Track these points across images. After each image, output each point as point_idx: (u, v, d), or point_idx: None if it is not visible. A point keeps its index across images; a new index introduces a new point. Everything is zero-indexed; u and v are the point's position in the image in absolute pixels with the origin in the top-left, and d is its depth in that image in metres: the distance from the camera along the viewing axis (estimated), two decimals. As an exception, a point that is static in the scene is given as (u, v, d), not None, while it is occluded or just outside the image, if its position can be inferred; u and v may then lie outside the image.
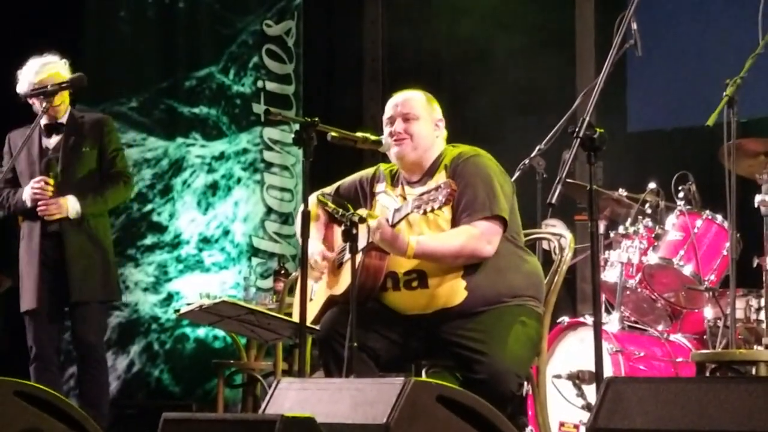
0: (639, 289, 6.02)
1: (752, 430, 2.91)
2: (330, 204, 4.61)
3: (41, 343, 6.12)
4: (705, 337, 5.76)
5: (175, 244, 8.88)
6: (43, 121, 6.14)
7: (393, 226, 4.37)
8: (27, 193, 6.10)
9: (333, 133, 4.54)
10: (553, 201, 3.87)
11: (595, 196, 3.97)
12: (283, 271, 8.00)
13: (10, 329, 7.34)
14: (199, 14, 9.18)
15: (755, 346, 5.49)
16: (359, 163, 7.03)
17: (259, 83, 9.21)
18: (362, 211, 4.52)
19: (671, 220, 5.99)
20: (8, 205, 6.21)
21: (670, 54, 7.74)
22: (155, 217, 8.87)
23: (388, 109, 4.71)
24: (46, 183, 6.06)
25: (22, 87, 6.12)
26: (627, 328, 6.02)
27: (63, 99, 6.15)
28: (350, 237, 4.26)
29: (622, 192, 6.19)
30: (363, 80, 9.68)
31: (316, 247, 4.65)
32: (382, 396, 3.33)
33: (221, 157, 9.06)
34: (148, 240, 8.83)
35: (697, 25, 7.82)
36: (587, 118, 3.91)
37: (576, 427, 5.73)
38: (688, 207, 5.98)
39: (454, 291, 4.45)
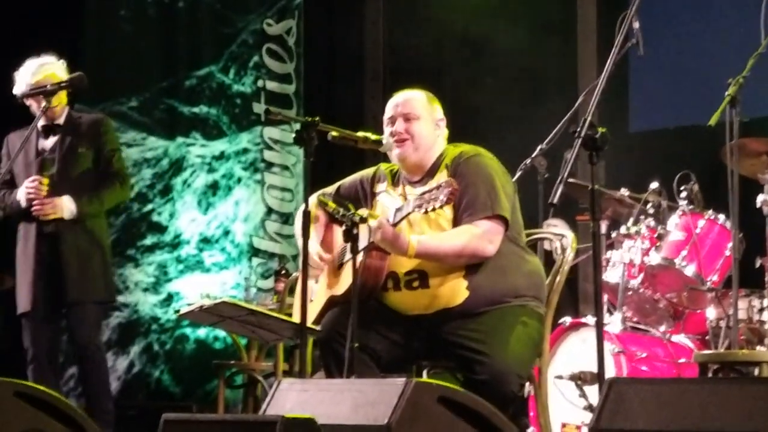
0: (641, 290, 6.01)
1: (754, 430, 2.90)
2: (331, 204, 4.60)
3: (38, 345, 6.11)
4: (707, 337, 5.74)
5: (176, 244, 8.88)
6: (41, 122, 6.13)
7: (394, 225, 4.36)
8: (21, 194, 6.09)
9: (333, 133, 4.52)
10: (555, 201, 3.85)
11: (597, 196, 3.96)
12: (283, 272, 7.99)
13: (10, 330, 7.32)
14: (200, 13, 9.18)
15: (758, 347, 5.48)
16: (360, 162, 7.01)
17: (260, 82, 9.21)
18: (363, 211, 4.51)
19: (673, 220, 5.98)
20: (4, 206, 6.21)
21: (672, 53, 7.73)
22: (155, 217, 8.87)
23: (389, 109, 4.70)
24: (41, 183, 6.05)
25: (20, 88, 6.11)
26: (629, 328, 6.00)
27: (60, 100, 6.14)
28: (351, 237, 4.25)
29: (624, 192, 6.18)
30: (364, 79, 9.67)
31: (313, 248, 4.63)
32: (384, 397, 3.32)
33: (221, 156, 9.06)
34: (148, 240, 8.82)
35: (699, 25, 7.81)
36: (589, 118, 3.90)
37: (578, 428, 5.72)
38: (691, 207, 5.97)
39: (455, 291, 4.44)
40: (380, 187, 4.75)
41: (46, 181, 6.06)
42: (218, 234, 8.98)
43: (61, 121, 6.20)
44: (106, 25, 8.94)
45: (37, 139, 6.18)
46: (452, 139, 4.75)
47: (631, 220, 6.06)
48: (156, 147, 8.91)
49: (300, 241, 4.43)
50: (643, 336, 6.02)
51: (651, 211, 6.06)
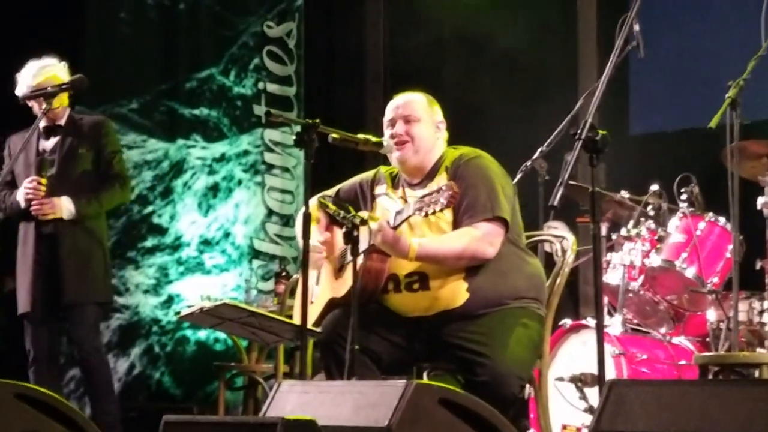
0: (641, 292, 6.01)
1: (755, 433, 2.91)
2: (331, 206, 4.61)
3: (38, 346, 6.11)
4: (708, 339, 5.74)
5: (176, 246, 8.88)
6: (42, 123, 6.14)
7: (394, 228, 4.36)
8: (21, 194, 6.10)
9: (334, 135, 4.53)
10: (555, 203, 3.86)
11: (598, 198, 3.97)
12: (284, 274, 7.99)
13: (11, 331, 7.32)
14: (200, 16, 9.18)
15: (758, 349, 5.48)
16: (360, 164, 7.02)
17: (260, 85, 9.21)
18: (363, 214, 4.52)
19: (674, 222, 5.98)
20: (4, 207, 6.21)
21: (673, 56, 7.73)
22: (156, 219, 8.87)
23: (389, 112, 4.70)
24: (39, 183, 6.05)
25: (21, 90, 6.12)
26: (629, 330, 6.00)
27: (61, 101, 6.15)
28: (351, 239, 4.25)
29: (625, 194, 6.18)
30: (364, 81, 9.68)
31: (313, 239, 4.60)
32: (384, 399, 3.33)
33: (222, 158, 9.06)
34: (149, 242, 8.82)
35: (699, 27, 7.81)
36: (589, 120, 3.91)
37: (578, 429, 5.72)
38: (691, 209, 5.97)
39: (455, 293, 4.44)
40: (380, 190, 4.75)
41: (44, 181, 6.06)
42: (219, 236, 8.98)
43: (62, 122, 6.21)
44: (106, 27, 8.93)
45: (38, 140, 6.20)
46: (452, 141, 4.75)
47: (632, 222, 6.06)
48: (156, 149, 8.91)
49: (300, 243, 4.43)
50: (643, 338, 6.02)
51: (651, 213, 6.06)
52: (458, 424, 3.35)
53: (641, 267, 5.95)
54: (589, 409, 5.51)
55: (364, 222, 4.29)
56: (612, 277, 5.99)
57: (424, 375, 4.69)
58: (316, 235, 4.68)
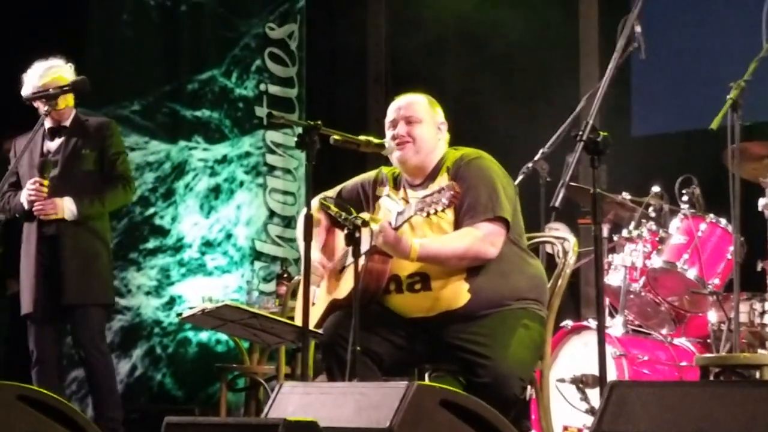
0: (643, 293, 6.01)
1: (756, 434, 2.91)
2: (333, 207, 4.61)
3: (41, 347, 6.11)
4: (709, 340, 5.74)
5: (178, 247, 8.88)
6: (48, 124, 6.16)
7: (396, 229, 4.36)
8: (23, 195, 6.10)
9: (336, 137, 4.53)
10: (557, 204, 3.86)
11: (599, 199, 3.97)
12: (285, 275, 8.00)
13: (14, 333, 7.33)
14: (202, 17, 9.18)
15: (759, 350, 5.48)
16: (362, 166, 7.01)
17: (262, 86, 9.22)
18: (365, 215, 4.52)
19: (675, 223, 5.98)
20: (9, 208, 6.22)
21: (674, 57, 7.74)
22: (157, 221, 8.87)
23: (391, 113, 4.71)
24: (41, 184, 6.06)
25: (26, 90, 6.12)
26: (631, 331, 6.01)
27: (67, 102, 6.15)
28: (353, 240, 4.26)
29: (626, 195, 6.18)
30: (366, 83, 9.69)
31: (315, 256, 4.62)
32: (386, 400, 3.33)
33: (224, 160, 9.06)
34: (151, 244, 8.83)
35: (701, 29, 7.82)
36: (591, 122, 3.91)
37: (579, 431, 5.72)
38: (692, 210, 5.97)
39: (457, 293, 4.44)
40: (382, 191, 4.76)
41: (46, 182, 6.07)
42: (220, 237, 8.99)
43: (67, 123, 6.22)
44: (108, 28, 8.93)
45: (43, 141, 6.20)
46: (454, 142, 4.76)
47: (633, 223, 6.06)
48: (158, 151, 8.91)
49: (302, 245, 4.44)
50: (644, 339, 6.02)
51: (652, 214, 6.06)
52: (459, 426, 3.35)
53: (642, 268, 5.95)
54: (591, 411, 5.51)
55: (365, 223, 4.30)
56: (613, 278, 6.00)
57: (426, 376, 4.70)
58: (316, 253, 4.67)
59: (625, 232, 6.05)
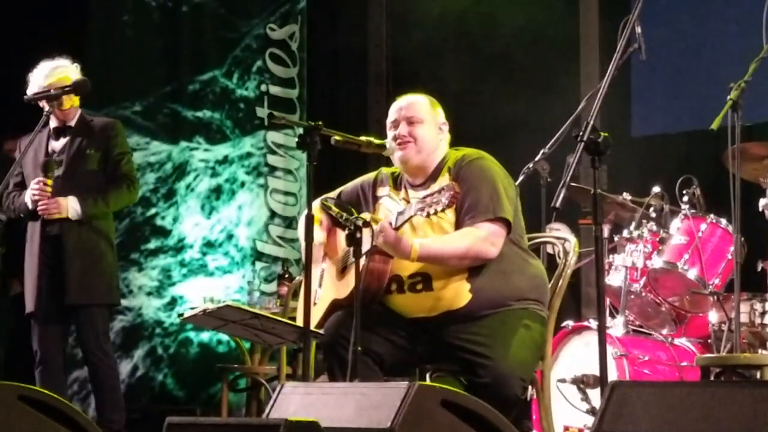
0: (643, 293, 6.01)
1: (757, 434, 2.91)
2: (334, 208, 4.61)
3: (45, 347, 6.11)
4: (709, 341, 5.74)
5: (179, 248, 8.89)
6: (53, 124, 6.18)
7: (396, 229, 4.37)
8: (27, 195, 6.11)
9: (337, 137, 4.53)
10: (558, 205, 3.86)
11: (600, 200, 3.98)
12: (287, 275, 8.00)
13: (17, 333, 7.34)
14: (203, 18, 9.19)
15: (760, 350, 5.48)
16: (363, 166, 7.03)
17: (263, 87, 9.22)
18: (365, 215, 4.53)
19: (675, 224, 5.98)
20: (13, 208, 6.23)
21: (675, 58, 7.74)
22: (159, 221, 8.87)
23: (392, 113, 4.71)
24: (45, 184, 6.06)
25: (32, 90, 6.12)
26: (631, 332, 6.01)
27: (72, 102, 6.16)
28: (354, 241, 4.26)
29: (627, 196, 6.18)
30: (367, 83, 9.69)
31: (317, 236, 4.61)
32: (387, 400, 3.33)
33: (225, 161, 9.07)
34: (152, 244, 8.83)
35: (701, 29, 7.82)
36: (591, 122, 3.91)
37: (580, 431, 5.72)
38: (693, 211, 5.97)
39: (458, 293, 4.45)
40: (382, 191, 4.76)
41: (50, 182, 6.07)
42: (222, 238, 8.99)
43: (72, 123, 6.23)
44: (109, 29, 8.94)
45: (48, 141, 6.21)
46: (455, 143, 4.76)
47: (634, 224, 6.06)
48: (159, 151, 8.92)
49: (303, 245, 4.44)
50: (645, 339, 6.02)
51: (653, 215, 6.06)
52: (460, 426, 3.35)
53: (643, 268, 5.95)
54: (591, 411, 5.51)
55: (366, 224, 4.31)
56: (614, 278, 6.00)
57: (427, 376, 4.70)
58: (318, 234, 4.67)
59: (625, 233, 6.05)
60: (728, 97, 5.01)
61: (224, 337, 8.44)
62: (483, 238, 4.42)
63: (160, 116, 8.95)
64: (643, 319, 6.19)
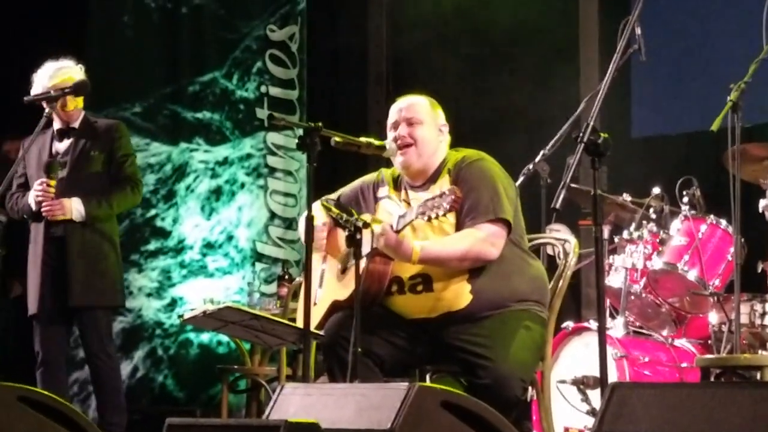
0: (643, 294, 6.01)
1: (757, 435, 2.91)
2: (334, 209, 4.61)
3: (47, 348, 6.10)
4: (710, 342, 5.74)
5: (179, 249, 8.89)
6: (57, 125, 6.17)
7: (397, 232, 4.37)
8: (31, 196, 6.10)
9: (336, 139, 4.53)
10: (558, 206, 3.87)
11: (600, 201, 3.98)
12: (287, 277, 8.01)
13: (18, 335, 7.34)
14: (203, 19, 9.19)
15: (760, 351, 5.48)
16: (363, 167, 7.01)
17: (263, 88, 9.22)
18: (366, 216, 4.53)
19: (676, 225, 5.98)
20: (17, 209, 6.22)
21: (674, 59, 7.74)
22: (159, 223, 8.87)
23: (392, 114, 4.71)
24: (48, 185, 6.06)
25: (35, 90, 6.12)
26: (631, 333, 6.01)
27: (76, 104, 6.16)
28: (354, 242, 4.26)
29: (627, 197, 6.18)
30: (367, 84, 9.69)
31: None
32: (387, 401, 3.33)
33: (225, 162, 9.07)
34: (152, 245, 8.83)
35: (701, 30, 7.82)
36: (591, 123, 3.91)
37: (580, 432, 5.73)
38: (693, 212, 5.97)
39: (459, 294, 4.45)
40: (382, 192, 4.76)
41: (53, 183, 6.06)
42: (222, 239, 8.99)
43: (76, 124, 6.22)
44: (109, 30, 8.94)
45: (52, 142, 6.20)
46: (455, 144, 4.76)
47: (634, 225, 6.06)
48: (159, 152, 8.92)
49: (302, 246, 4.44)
50: (645, 340, 6.02)
51: (653, 216, 6.06)
52: (460, 427, 3.35)
53: (643, 270, 5.95)
54: (592, 412, 5.51)
55: (366, 225, 4.31)
56: (614, 279, 6.00)
57: (427, 377, 4.70)
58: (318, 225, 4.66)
59: (625, 234, 6.05)
60: (728, 98, 5.01)
61: (224, 338, 8.45)
62: (483, 239, 4.42)
63: (160, 117, 8.95)
64: (643, 320, 6.19)
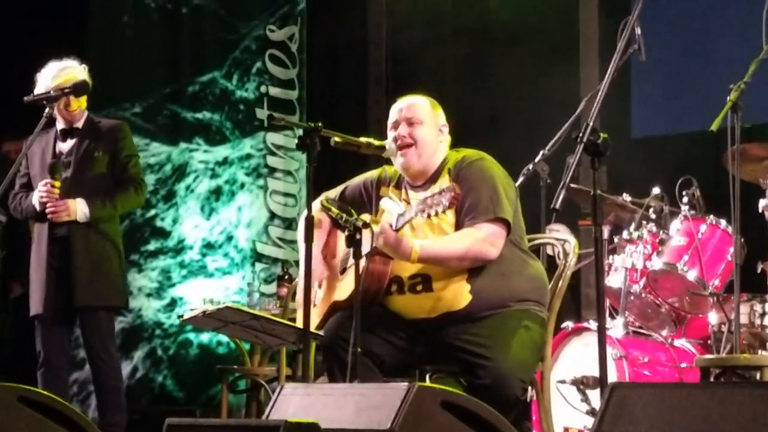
0: (643, 295, 6.01)
1: (756, 435, 2.91)
2: (333, 209, 4.61)
3: (48, 348, 6.10)
4: (709, 342, 5.74)
5: (179, 249, 8.89)
6: (60, 125, 6.17)
7: (397, 231, 4.37)
8: (35, 197, 6.10)
9: (336, 139, 4.53)
10: (557, 206, 3.87)
11: (599, 201, 3.98)
12: (286, 277, 8.00)
13: (19, 335, 7.34)
14: (203, 19, 9.19)
15: (759, 351, 5.48)
16: (363, 168, 7.00)
17: (263, 88, 9.22)
18: (366, 216, 4.53)
19: (675, 225, 5.98)
20: (21, 209, 6.22)
21: (674, 59, 7.74)
22: (159, 223, 8.88)
23: (393, 114, 4.71)
24: (52, 186, 6.05)
25: (38, 90, 6.11)
26: (631, 333, 6.01)
27: (79, 104, 6.16)
28: (354, 242, 4.26)
29: (626, 197, 6.18)
30: (366, 85, 9.69)
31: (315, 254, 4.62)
32: (387, 401, 3.33)
33: (225, 162, 9.07)
34: (152, 245, 8.83)
35: (700, 30, 7.82)
36: (591, 123, 3.91)
37: (580, 432, 5.73)
38: (692, 212, 5.97)
39: (458, 294, 4.45)
40: (386, 191, 4.75)
41: (57, 183, 6.06)
42: (221, 239, 8.99)
43: (80, 125, 6.22)
44: (109, 30, 8.94)
45: (55, 142, 6.20)
46: (455, 144, 4.76)
47: (633, 225, 6.06)
48: (159, 153, 8.92)
49: (302, 247, 4.44)
50: (645, 340, 6.02)
51: (653, 216, 6.06)
52: (460, 427, 3.35)
53: (643, 270, 5.95)
54: (591, 412, 5.51)
55: (366, 225, 4.31)
56: (614, 279, 6.00)
57: (427, 377, 4.70)
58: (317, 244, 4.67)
59: (625, 234, 6.05)
60: (728, 98, 5.01)
61: (224, 338, 8.45)
62: (483, 239, 4.42)
63: (160, 117, 8.96)
64: (642, 321, 6.19)
